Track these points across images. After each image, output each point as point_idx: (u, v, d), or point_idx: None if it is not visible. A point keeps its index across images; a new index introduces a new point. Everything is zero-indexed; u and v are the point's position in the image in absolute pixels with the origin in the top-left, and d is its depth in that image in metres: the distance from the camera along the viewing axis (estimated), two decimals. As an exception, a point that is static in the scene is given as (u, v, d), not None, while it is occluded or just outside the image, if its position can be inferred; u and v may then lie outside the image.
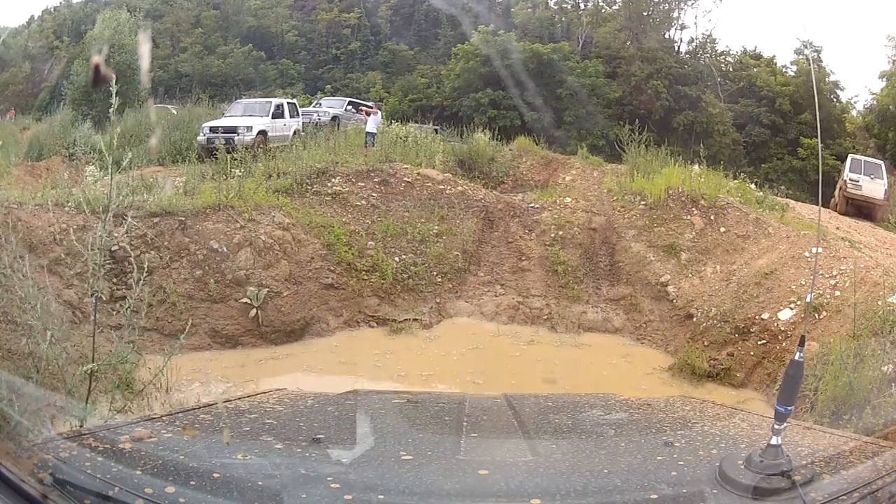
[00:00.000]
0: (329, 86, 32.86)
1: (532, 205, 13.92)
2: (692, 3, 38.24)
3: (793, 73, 34.76)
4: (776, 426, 1.77)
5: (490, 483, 1.87)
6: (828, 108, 31.79)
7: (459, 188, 14.02)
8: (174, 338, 9.59)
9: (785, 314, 10.23)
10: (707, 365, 10.14)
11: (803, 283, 10.56)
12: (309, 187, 13.06)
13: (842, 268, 10.58)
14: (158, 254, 10.33)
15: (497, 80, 31.33)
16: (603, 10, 39.08)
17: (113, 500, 1.56)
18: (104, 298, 9.65)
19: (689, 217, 13.11)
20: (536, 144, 21.32)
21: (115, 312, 9.45)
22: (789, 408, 1.80)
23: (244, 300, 10.35)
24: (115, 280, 9.66)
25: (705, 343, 10.77)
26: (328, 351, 10.46)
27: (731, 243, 12.52)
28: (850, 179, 18.84)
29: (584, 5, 40.31)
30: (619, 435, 2.51)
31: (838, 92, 33.77)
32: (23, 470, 1.60)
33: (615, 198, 14.22)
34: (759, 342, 10.21)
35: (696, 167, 16.25)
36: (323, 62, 37.47)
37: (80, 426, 3.06)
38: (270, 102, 19.68)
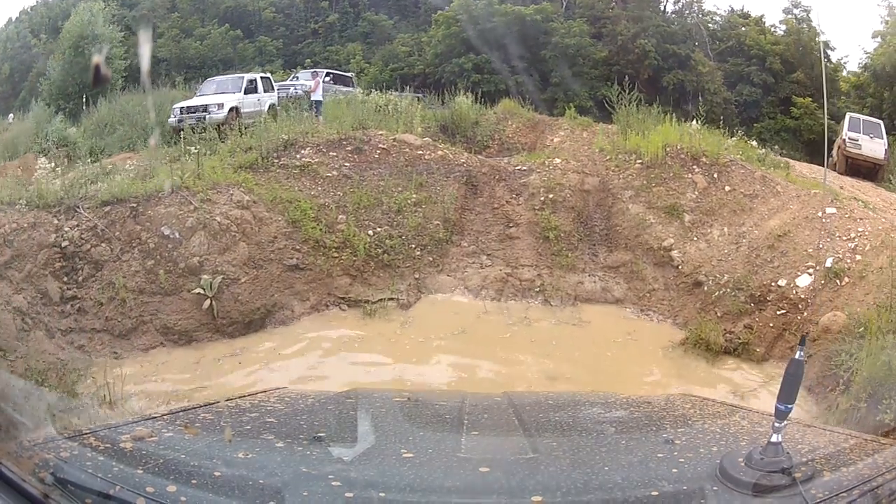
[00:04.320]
0: (308, 60, 34.70)
1: (519, 167, 14.01)
2: None
3: (782, 33, 37.30)
4: (776, 424, 1.97)
5: (491, 480, 2.09)
6: (820, 68, 31.75)
7: (439, 153, 14.09)
8: (125, 338, 9.88)
9: (803, 280, 10.38)
10: (723, 339, 10.13)
11: (821, 245, 10.67)
12: (276, 161, 13.12)
13: (859, 229, 10.77)
14: (109, 246, 10.43)
15: (480, 44, 33.32)
16: None
17: (114, 499, 1.75)
18: (54, 300, 9.93)
19: (690, 176, 13.26)
20: (522, 107, 22.06)
21: (65, 315, 9.65)
22: (790, 406, 2.01)
23: (197, 290, 10.34)
24: (65, 279, 9.97)
25: (718, 314, 10.85)
26: (292, 341, 10.39)
27: (738, 203, 12.69)
28: (849, 138, 19.97)
29: None
30: (620, 432, 2.78)
31: (829, 52, 35.85)
32: (24, 469, 1.78)
33: (608, 157, 14.37)
34: (777, 312, 10.33)
35: (693, 123, 16.46)
36: (302, 37, 39.51)
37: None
38: (242, 78, 20.68)
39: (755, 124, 26.54)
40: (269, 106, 19.99)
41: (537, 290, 12.09)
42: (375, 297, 11.58)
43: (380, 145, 13.98)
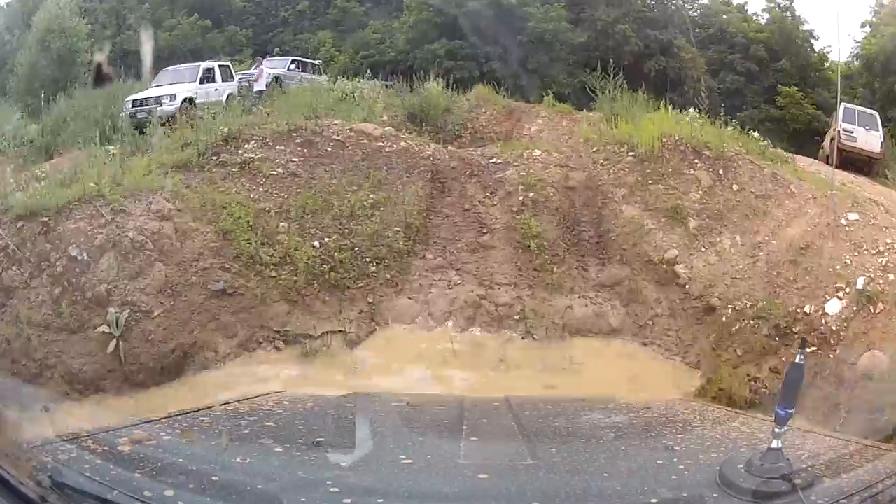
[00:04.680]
0: (277, 49, 38.38)
1: (493, 160, 14.27)
2: None
3: (765, 21, 42.76)
4: (776, 430, 2.36)
5: (490, 487, 2.53)
6: (805, 56, 40.01)
7: (402, 144, 14.38)
8: (33, 384, 9.39)
9: (833, 306, 10.30)
10: (748, 390, 9.93)
11: (848, 260, 10.73)
12: (213, 158, 13.30)
13: (887, 241, 10.89)
14: (20, 269, 10.38)
15: (453, 29, 37.97)
16: None
17: (111, 502, 2.10)
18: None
19: (692, 171, 13.51)
20: (497, 94, 23.28)
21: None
22: (790, 411, 2.39)
23: (102, 328, 10.07)
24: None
25: (738, 352, 10.83)
26: (206, 395, 9.51)
27: (750, 206, 12.86)
28: (843, 130, 21.33)
29: None
30: (620, 439, 3.28)
31: (812, 41, 41.60)
32: (22, 472, 2.12)
33: (595, 149, 14.65)
34: (806, 349, 10.33)
35: (691, 110, 16.90)
36: (272, 26, 44.76)
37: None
38: (199, 67, 22.56)
39: (739, 113, 28.82)
40: (228, 96, 21.40)
41: (517, 318, 12.25)
42: (319, 329, 11.56)
43: (334, 137, 14.25)
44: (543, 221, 13.05)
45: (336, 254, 12.29)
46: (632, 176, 13.60)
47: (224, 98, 21.02)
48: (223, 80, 22.29)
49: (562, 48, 38.06)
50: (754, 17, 44.51)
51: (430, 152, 14.45)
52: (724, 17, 43.86)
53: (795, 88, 37.03)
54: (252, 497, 2.30)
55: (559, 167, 13.98)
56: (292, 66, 28.03)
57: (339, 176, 13.42)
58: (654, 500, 2.36)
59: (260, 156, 13.46)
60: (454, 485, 2.56)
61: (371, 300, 12.19)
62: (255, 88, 21.64)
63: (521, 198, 13.37)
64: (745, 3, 45.91)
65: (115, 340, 10.01)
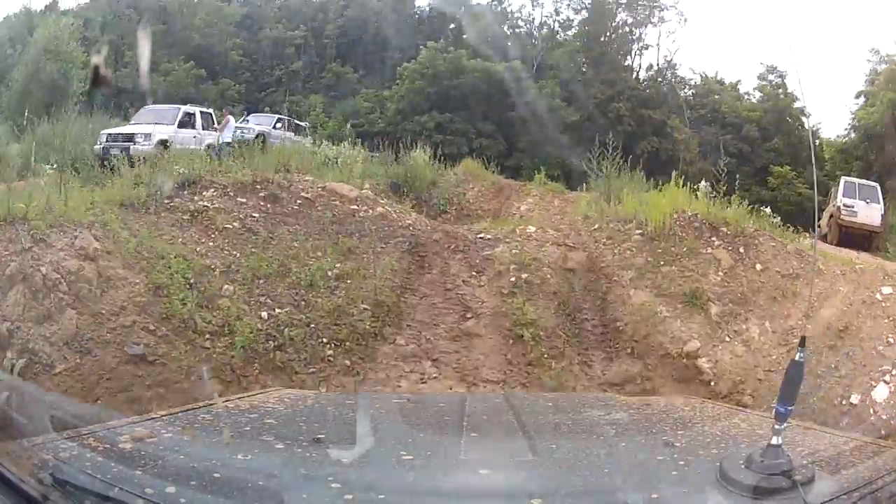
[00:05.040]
0: (268, 108, 43.27)
1: (482, 235, 14.79)
2: (657, 23, 54.29)
3: (757, 100, 51.25)
4: (776, 426, 2.75)
5: (490, 483, 3.01)
6: (797, 134, 47.03)
7: (379, 210, 14.99)
8: None
9: (880, 392, 10.68)
10: None
11: (891, 339, 11.22)
12: (166, 201, 13.71)
13: None
14: None
15: (445, 102, 44.66)
16: (558, 34, 57.14)
17: (113, 500, 2.49)
18: None
19: (709, 250, 13.98)
20: (486, 169, 25.60)
21: None
22: (789, 408, 2.82)
23: None
24: None
25: None
26: None
27: (777, 287, 13.31)
28: (843, 205, 23.63)
29: (538, 31, 58.66)
30: (620, 435, 3.83)
31: (803, 118, 48.74)
32: (23, 470, 2.51)
33: (596, 226, 15.26)
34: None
35: (703, 183, 17.76)
36: (266, 84, 53.52)
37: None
38: (179, 109, 25.43)
39: (730, 196, 31.16)
40: (208, 145, 23.24)
41: (506, 424, 12.42)
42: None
43: (303, 194, 14.86)
44: (539, 307, 13.24)
45: (287, 329, 12.10)
46: (640, 256, 14.06)
47: (203, 146, 22.68)
48: (204, 128, 24.75)
49: (554, 127, 42.10)
50: (746, 97, 52.69)
51: (409, 221, 15.04)
52: (717, 96, 51.56)
53: (788, 168, 42.48)
54: (253, 493, 2.73)
55: (556, 246, 14.41)
56: (278, 125, 31.17)
57: (302, 238, 13.80)
58: (654, 496, 2.77)
59: (216, 205, 13.92)
60: (455, 481, 3.05)
61: (324, 391, 10.97)
62: (220, 140, 23.47)
63: (512, 279, 13.67)
64: (739, 81, 54.57)
65: (4, 395, 9.86)
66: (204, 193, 14.35)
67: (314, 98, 51.15)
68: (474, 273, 14.07)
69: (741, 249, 14.10)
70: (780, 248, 14.25)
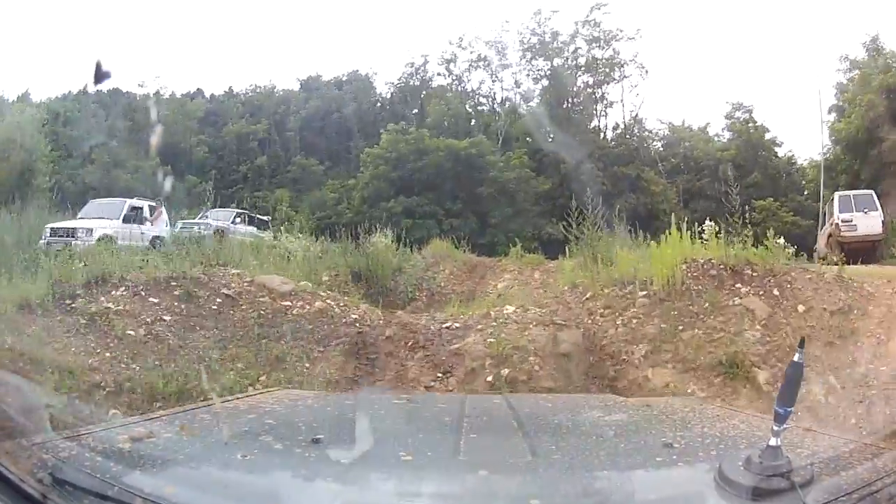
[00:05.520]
0: (234, 204, 47.45)
1: (447, 325, 14.48)
2: (619, 79, 61.83)
3: (727, 139, 59.94)
4: (775, 427, 2.94)
5: (490, 484, 3.31)
6: (776, 165, 55.65)
7: (318, 305, 14.98)
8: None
9: None
10: None
11: None
12: (68, 301, 13.78)
13: None
14: None
15: (410, 185, 49.07)
16: (520, 107, 63.81)
17: (112, 499, 2.75)
18: None
19: (737, 301, 13.73)
20: (457, 249, 27.11)
21: None
22: (789, 409, 3.05)
23: None
24: None
25: None
26: None
27: (830, 327, 12.96)
28: (842, 221, 26.01)
29: (501, 106, 65.90)
30: (619, 436, 4.22)
31: (775, 147, 57.97)
32: (22, 470, 2.77)
33: (588, 295, 15.06)
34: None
35: (708, 222, 17.40)
36: (233, 181, 59.71)
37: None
38: (125, 203, 27.96)
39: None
40: (154, 238, 25.83)
41: None
42: None
43: (224, 290, 14.69)
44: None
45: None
46: (651, 324, 13.83)
47: (147, 242, 24.79)
48: (152, 223, 26.95)
49: (525, 198, 48.52)
50: (716, 138, 61.30)
51: (356, 316, 14.86)
52: (688, 143, 58.77)
53: (771, 199, 47.93)
54: (252, 493, 3.02)
55: (543, 326, 13.94)
56: (237, 220, 34.39)
57: (218, 345, 13.58)
58: (653, 497, 3.14)
59: (121, 307, 13.81)
60: (454, 481, 3.38)
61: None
62: (152, 233, 25.69)
63: (489, 378, 13.14)
64: (708, 124, 63.50)
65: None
66: (112, 293, 14.33)
67: (280, 192, 56.75)
68: (439, 375, 13.53)
69: (775, 292, 13.86)
70: (818, 279, 14.05)
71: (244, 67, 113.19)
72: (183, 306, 14.14)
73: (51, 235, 25.04)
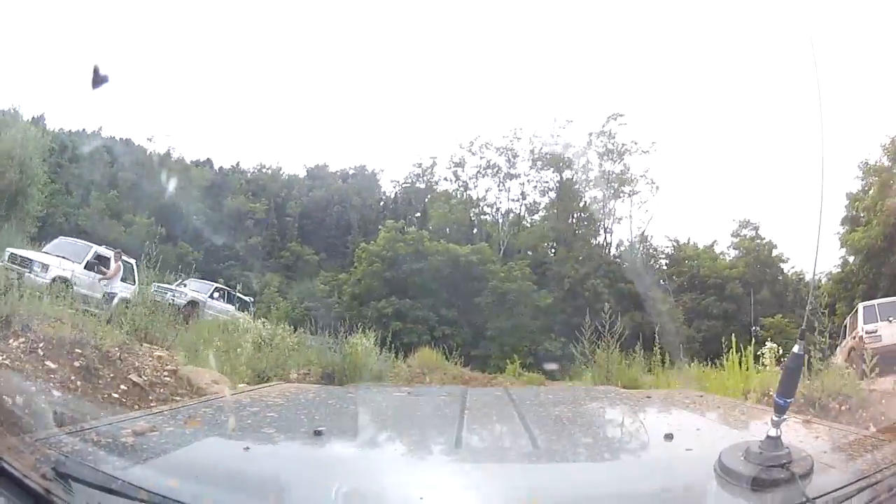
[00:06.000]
0: (221, 279, 45.20)
1: None
2: (629, 194, 60.46)
3: (734, 256, 58.37)
4: (775, 418, 3.04)
5: (491, 475, 3.35)
6: (783, 281, 54.56)
7: None
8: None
9: None
10: None
11: None
12: None
13: None
14: None
15: (404, 286, 47.60)
16: (524, 219, 63.15)
17: (116, 493, 2.80)
18: None
19: None
20: (447, 360, 25.21)
21: None
22: (788, 400, 3.14)
23: None
24: None
25: None
26: None
27: None
28: (866, 332, 24.52)
29: (505, 217, 64.45)
30: (620, 427, 4.28)
31: (781, 265, 56.39)
32: (26, 464, 2.82)
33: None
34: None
35: (769, 343, 16.43)
36: (225, 257, 57.74)
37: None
38: (91, 249, 26.58)
39: (717, 360, 32.50)
40: (106, 294, 23.87)
41: None
42: None
43: (131, 376, 12.44)
44: None
45: None
46: None
47: (103, 293, 23.41)
48: (122, 280, 25.28)
49: (525, 311, 46.74)
50: (722, 256, 59.20)
51: None
52: (695, 262, 56.78)
53: (780, 316, 46.61)
54: (255, 486, 3.07)
55: None
56: (215, 294, 32.71)
57: None
58: (654, 487, 3.13)
59: (8, 363, 11.43)
60: (455, 473, 3.41)
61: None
62: (107, 289, 24.12)
63: None
64: (714, 241, 60.97)
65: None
66: (10, 342, 11.96)
67: (270, 276, 55.57)
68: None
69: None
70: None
71: (253, 144, 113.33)
72: (79, 384, 11.57)
73: (8, 260, 24.28)
